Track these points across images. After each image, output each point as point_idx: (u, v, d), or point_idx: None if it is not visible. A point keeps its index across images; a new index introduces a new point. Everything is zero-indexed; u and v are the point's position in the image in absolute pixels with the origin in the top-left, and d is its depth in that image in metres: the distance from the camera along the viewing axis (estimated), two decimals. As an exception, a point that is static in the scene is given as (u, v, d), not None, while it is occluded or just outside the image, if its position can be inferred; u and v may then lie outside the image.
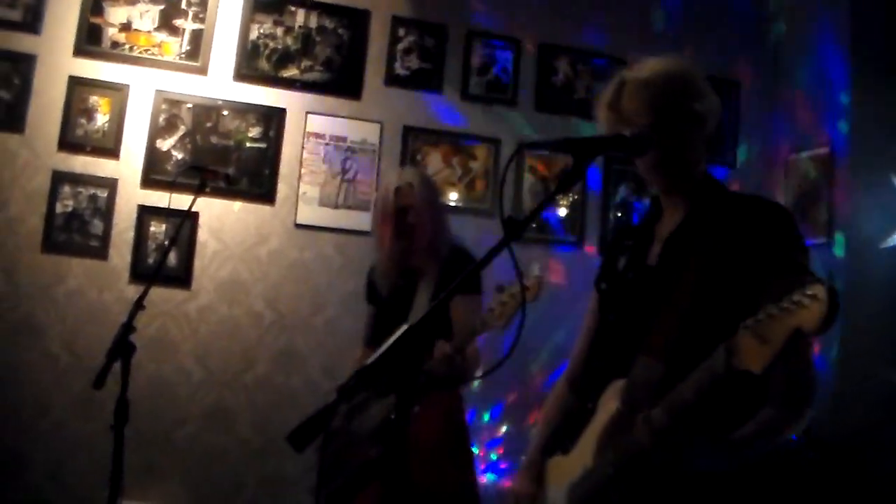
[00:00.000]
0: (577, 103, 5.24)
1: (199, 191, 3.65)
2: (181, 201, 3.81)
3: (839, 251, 4.56)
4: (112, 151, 4.56)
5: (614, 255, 2.22)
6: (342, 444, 3.40)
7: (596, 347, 2.21)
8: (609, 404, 1.93)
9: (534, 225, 4.87)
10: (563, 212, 5.16)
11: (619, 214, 5.25)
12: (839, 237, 4.59)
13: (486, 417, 4.86)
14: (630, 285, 2.08)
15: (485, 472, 4.73)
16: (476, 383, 4.71)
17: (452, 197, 5.00)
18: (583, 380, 2.24)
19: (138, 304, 3.28)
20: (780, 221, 1.89)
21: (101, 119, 4.55)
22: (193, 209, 4.35)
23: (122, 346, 3.15)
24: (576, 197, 5.17)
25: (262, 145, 4.74)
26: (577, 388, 2.29)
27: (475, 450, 4.25)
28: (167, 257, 4.33)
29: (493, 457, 4.85)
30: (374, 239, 3.71)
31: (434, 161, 5.02)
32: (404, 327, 1.56)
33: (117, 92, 4.58)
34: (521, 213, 4.96)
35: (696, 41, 5.25)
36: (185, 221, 4.40)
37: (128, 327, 3.19)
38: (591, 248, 5.13)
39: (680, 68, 2.02)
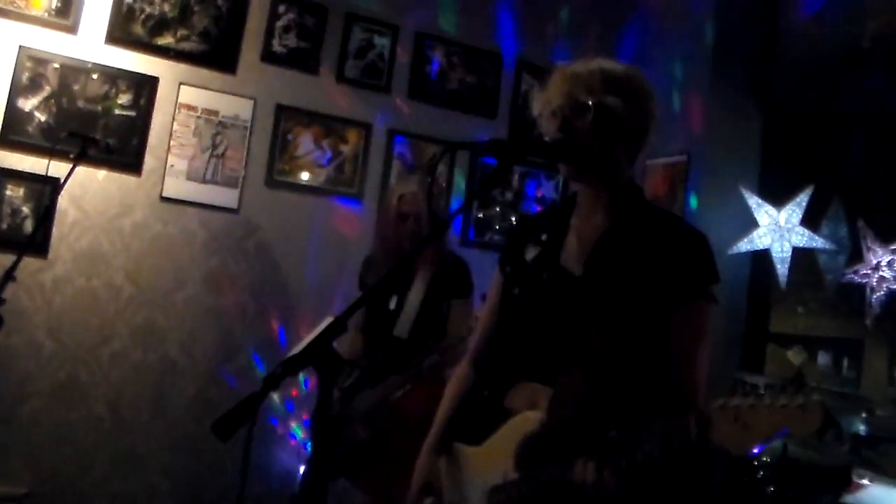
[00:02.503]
0: (449, 94, 5.34)
1: (78, 158, 3.54)
2: (40, 165, 3.85)
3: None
4: (-35, 108, 4.25)
5: (521, 241, 2.20)
6: (335, 426, 3.68)
7: (502, 338, 2.19)
8: (527, 411, 1.93)
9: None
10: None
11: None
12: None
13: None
14: (547, 288, 2.05)
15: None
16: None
17: (319, 179, 4.98)
18: (485, 364, 2.27)
19: (8, 276, 3.14)
20: (699, 250, 1.97)
21: (-45, 72, 4.24)
22: (54, 175, 4.18)
23: (-11, 321, 3.02)
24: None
25: (132, 113, 4.54)
26: (478, 369, 2.32)
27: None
28: (26, 225, 4.18)
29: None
30: (376, 236, 4.00)
31: (305, 142, 4.97)
32: (329, 318, 1.61)
33: (-25, 45, 4.28)
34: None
35: (569, 36, 5.47)
36: (46, 188, 4.25)
37: (-3, 300, 3.05)
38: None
39: (612, 68, 1.99)
